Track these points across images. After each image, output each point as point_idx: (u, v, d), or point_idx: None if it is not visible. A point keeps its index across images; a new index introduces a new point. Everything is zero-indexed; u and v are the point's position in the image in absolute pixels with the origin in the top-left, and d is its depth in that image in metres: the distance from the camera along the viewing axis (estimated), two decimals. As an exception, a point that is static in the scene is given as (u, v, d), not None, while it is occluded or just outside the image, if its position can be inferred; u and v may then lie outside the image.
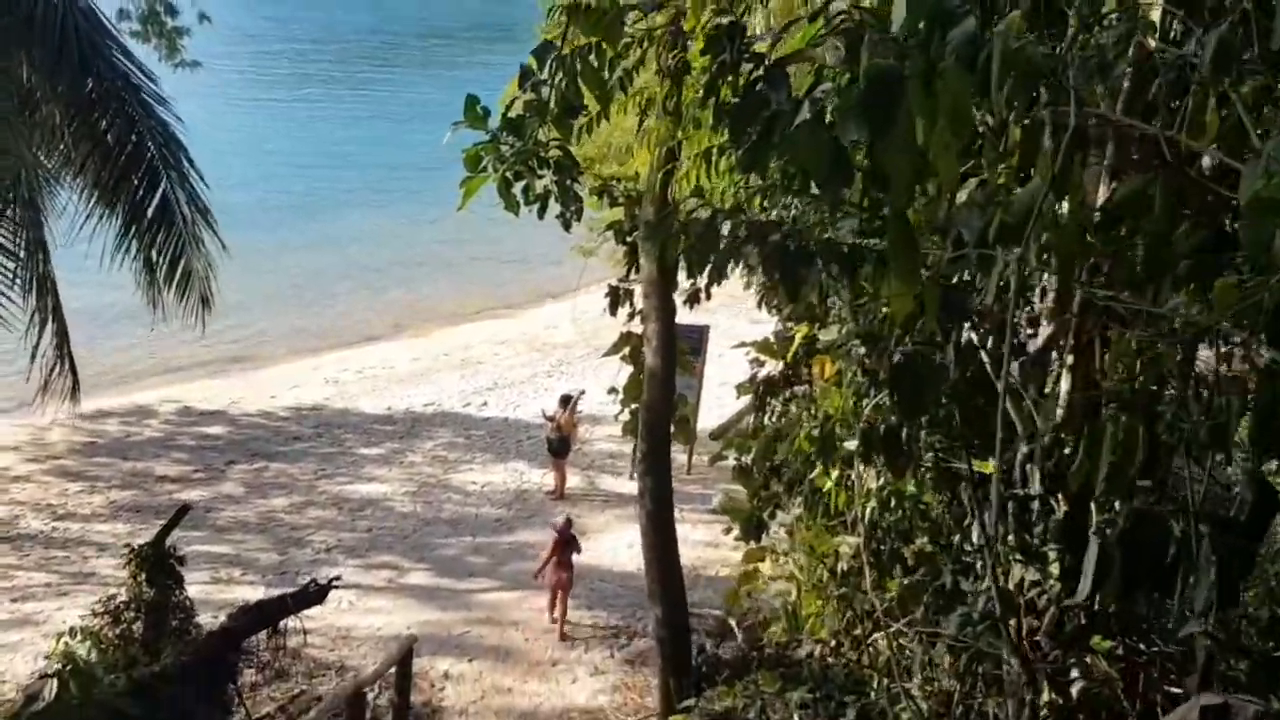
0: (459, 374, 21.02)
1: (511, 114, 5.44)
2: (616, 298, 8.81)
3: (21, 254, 7.39)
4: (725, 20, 3.30)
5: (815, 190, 3.61)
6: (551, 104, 5.32)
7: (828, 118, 2.95)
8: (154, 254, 9.63)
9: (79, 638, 8.83)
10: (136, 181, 9.34)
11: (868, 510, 5.23)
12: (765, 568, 8.78)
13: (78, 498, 14.91)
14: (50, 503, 14.71)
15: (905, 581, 5.20)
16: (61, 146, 9.36)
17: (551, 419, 15.34)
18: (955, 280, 3.97)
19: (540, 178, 5.58)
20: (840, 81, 3.07)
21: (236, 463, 16.41)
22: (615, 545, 13.84)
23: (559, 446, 15.26)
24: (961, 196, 4.22)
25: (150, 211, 9.44)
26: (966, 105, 2.73)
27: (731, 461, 8.19)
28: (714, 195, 4.78)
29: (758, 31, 3.69)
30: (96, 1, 9.03)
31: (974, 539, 5.17)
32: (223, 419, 18.28)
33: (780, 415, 7.36)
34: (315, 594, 9.22)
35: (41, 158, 9.15)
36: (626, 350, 9.57)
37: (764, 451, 7.40)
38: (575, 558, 11.98)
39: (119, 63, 9.23)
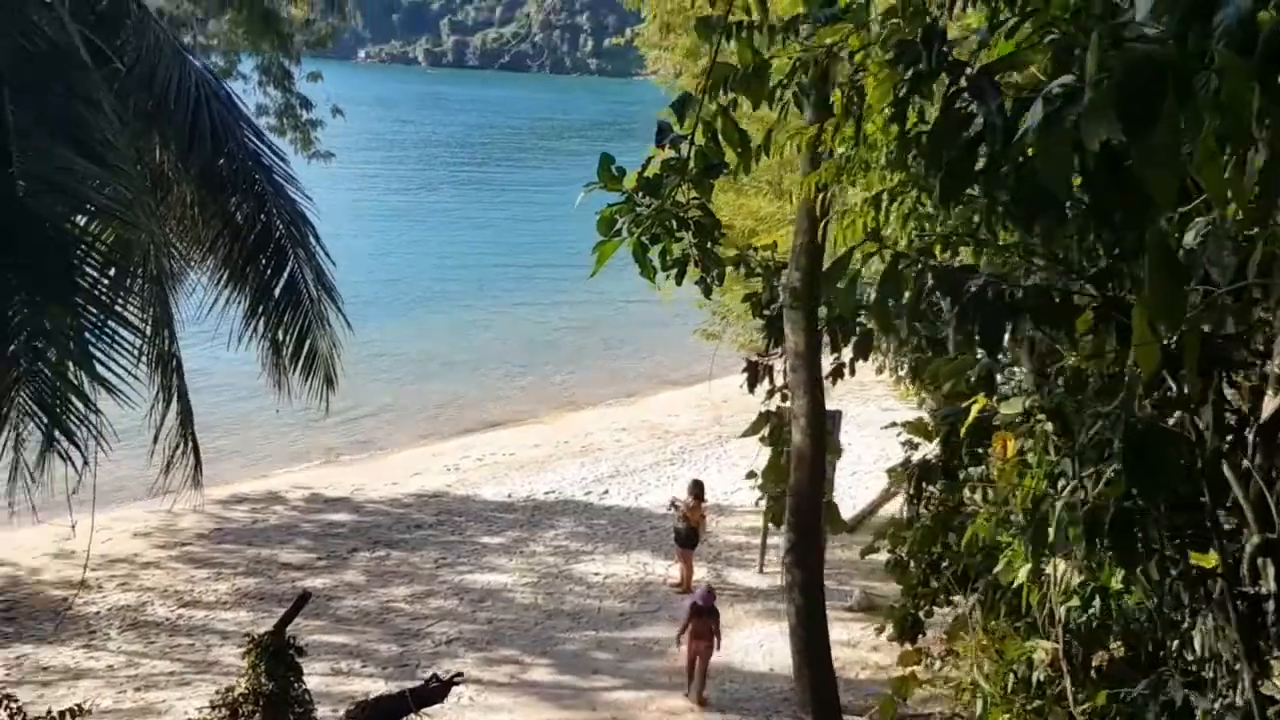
0: (580, 461, 20.68)
1: (648, 173, 5.06)
2: (755, 374, 8.26)
3: (147, 330, 7.32)
4: (924, 20, 2.78)
5: (1021, 226, 3.03)
6: (691, 162, 4.93)
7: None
8: (280, 333, 9.54)
9: (196, 732, 8.57)
10: (264, 261, 9.30)
11: (1063, 610, 4.50)
12: (920, 671, 7.93)
13: (204, 584, 14.90)
14: (177, 589, 14.73)
15: (1113, 694, 4.43)
16: (193, 226, 9.43)
17: (678, 508, 14.68)
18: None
19: (678, 240, 5.16)
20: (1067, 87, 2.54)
21: (359, 550, 16.25)
22: (746, 644, 13.03)
23: (687, 537, 14.56)
24: (1188, 238, 3.60)
25: (277, 291, 9.38)
26: (1246, 98, 2.17)
27: (884, 555, 7.42)
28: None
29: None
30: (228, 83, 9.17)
31: (1197, 646, 4.40)
32: (347, 505, 18.26)
33: (941, 503, 6.64)
34: (437, 690, 8.82)
35: (173, 238, 9.21)
36: (766, 430, 8.95)
37: (923, 543, 6.68)
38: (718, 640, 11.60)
39: (249, 142, 9.29)
